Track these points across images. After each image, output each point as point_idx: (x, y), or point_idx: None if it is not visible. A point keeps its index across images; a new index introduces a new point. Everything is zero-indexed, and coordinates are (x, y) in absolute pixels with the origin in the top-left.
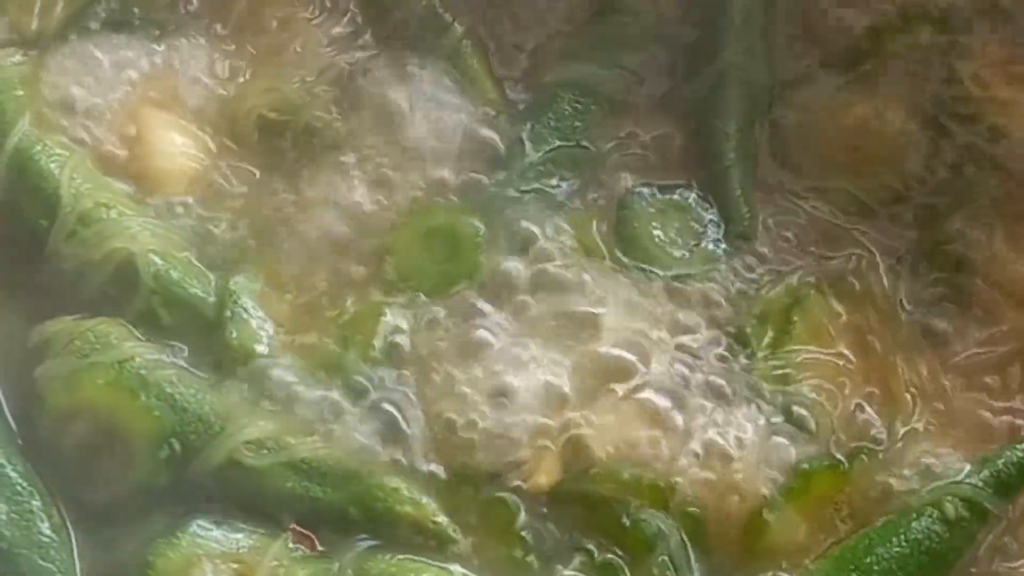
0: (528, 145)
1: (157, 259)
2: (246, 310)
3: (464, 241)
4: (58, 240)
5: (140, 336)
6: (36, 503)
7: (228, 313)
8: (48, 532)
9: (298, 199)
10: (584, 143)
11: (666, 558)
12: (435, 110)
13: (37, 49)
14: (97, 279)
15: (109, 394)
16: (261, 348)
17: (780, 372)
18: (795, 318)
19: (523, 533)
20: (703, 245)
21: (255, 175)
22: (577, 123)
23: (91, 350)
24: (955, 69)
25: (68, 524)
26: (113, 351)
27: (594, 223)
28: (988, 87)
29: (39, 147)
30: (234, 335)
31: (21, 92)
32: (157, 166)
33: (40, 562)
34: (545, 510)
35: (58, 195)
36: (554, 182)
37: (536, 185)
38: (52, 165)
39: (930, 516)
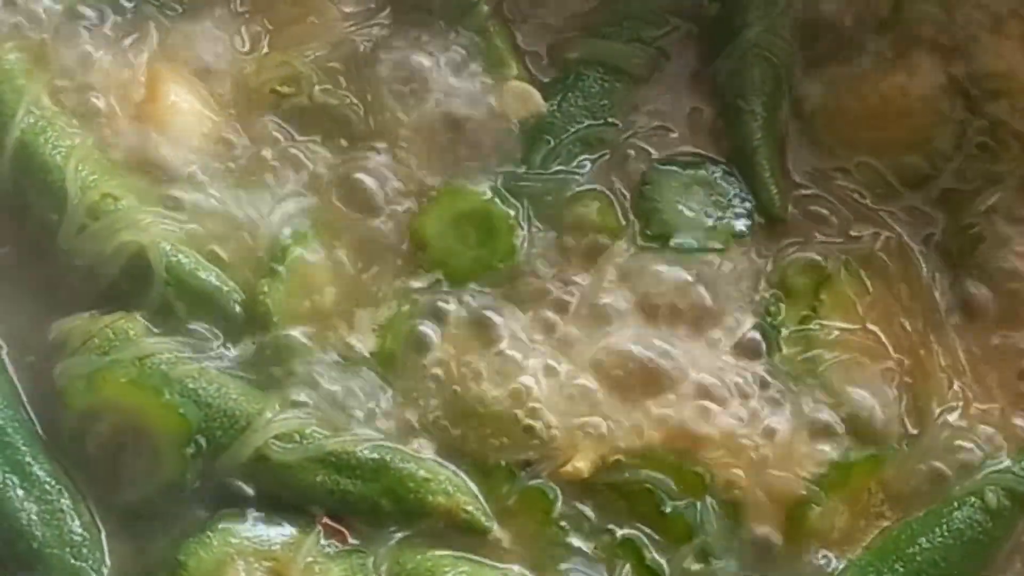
0: (557, 124)
1: (169, 249)
2: (281, 320)
3: (498, 224)
4: (68, 235)
5: (157, 331)
6: (66, 502)
7: (261, 320)
8: (80, 531)
9: (317, 180)
10: (611, 120)
11: (706, 545)
12: (460, 90)
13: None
14: (110, 273)
15: (132, 392)
16: (289, 327)
17: (811, 352)
18: (823, 296)
19: (561, 523)
20: (728, 220)
21: (273, 153)
22: (604, 101)
23: (110, 347)
24: (978, 44)
25: (98, 522)
26: (133, 347)
27: (618, 203)
28: (1011, 61)
29: (42, 138)
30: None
31: (22, 81)
32: (172, 138)
33: (73, 561)
34: (583, 498)
35: (64, 188)
36: (581, 161)
37: (564, 165)
38: (57, 157)
39: (972, 506)
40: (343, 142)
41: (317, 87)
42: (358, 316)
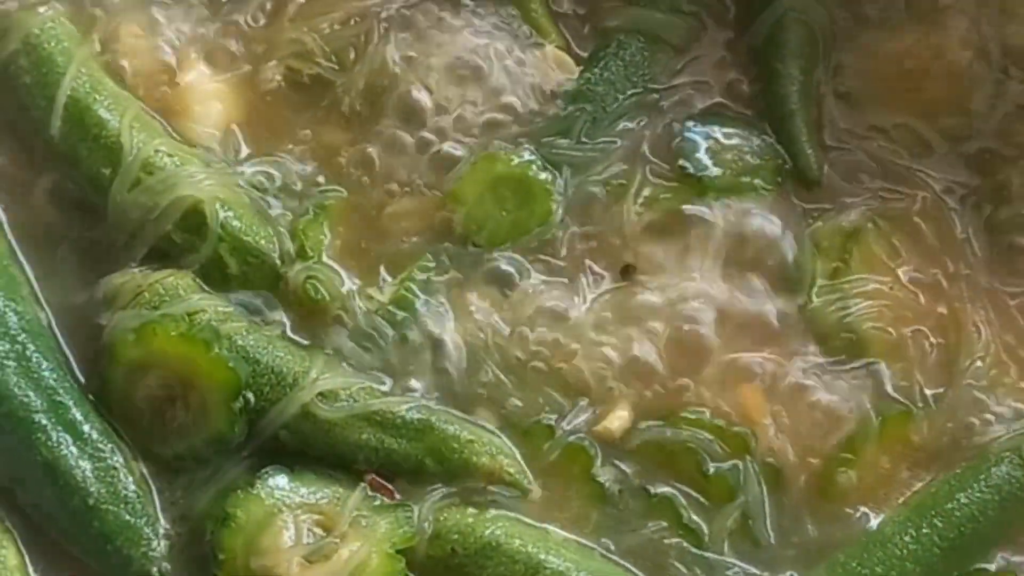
0: (597, 94)
1: (224, 208)
2: (316, 255)
3: (535, 188)
4: (122, 189)
5: (207, 288)
6: (118, 459)
7: (296, 255)
8: (133, 487)
9: (350, 150)
10: (652, 88)
11: (746, 506)
12: (496, 57)
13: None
14: (163, 227)
15: (182, 345)
16: (330, 294)
17: (842, 305)
18: (855, 250)
19: (602, 481)
20: (763, 176)
21: (303, 123)
22: (644, 70)
23: (161, 302)
24: (1011, 5)
25: (148, 477)
26: (183, 303)
27: (655, 167)
28: None
29: (96, 96)
30: (303, 279)
31: (67, 43)
32: (198, 113)
33: (128, 517)
34: (623, 458)
35: (119, 143)
36: (621, 128)
37: (604, 135)
38: (109, 114)
39: (1011, 462)
40: (375, 110)
41: (331, 61)
42: (397, 277)
